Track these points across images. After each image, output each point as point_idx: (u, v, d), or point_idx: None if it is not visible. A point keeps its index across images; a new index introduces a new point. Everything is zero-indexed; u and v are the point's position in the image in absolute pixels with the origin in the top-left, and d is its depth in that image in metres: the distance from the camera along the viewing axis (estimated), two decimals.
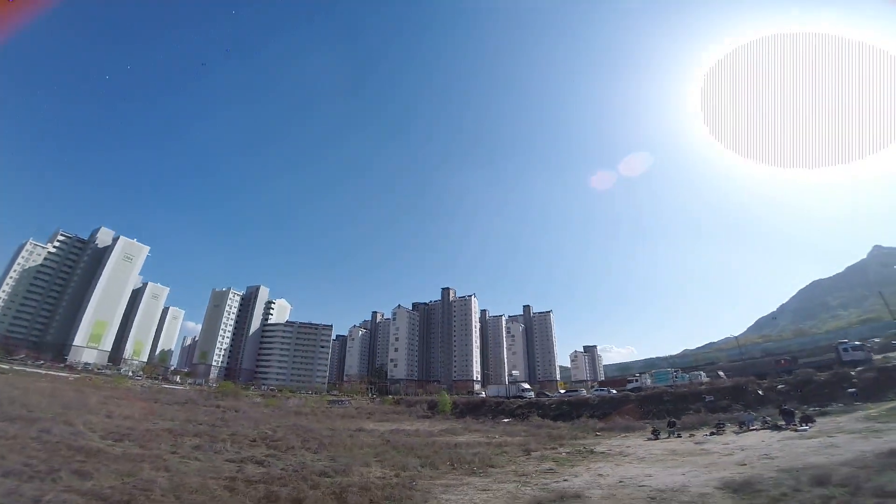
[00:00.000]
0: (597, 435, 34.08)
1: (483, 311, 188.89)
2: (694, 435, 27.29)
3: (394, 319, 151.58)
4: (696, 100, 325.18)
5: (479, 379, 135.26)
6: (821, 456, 15.62)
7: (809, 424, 23.57)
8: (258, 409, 53.70)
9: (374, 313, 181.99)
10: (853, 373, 33.99)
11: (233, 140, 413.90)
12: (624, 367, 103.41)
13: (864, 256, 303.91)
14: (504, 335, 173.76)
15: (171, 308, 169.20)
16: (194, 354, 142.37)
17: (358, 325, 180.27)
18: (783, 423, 25.11)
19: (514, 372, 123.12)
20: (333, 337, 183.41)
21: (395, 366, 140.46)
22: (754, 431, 25.24)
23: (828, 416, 26.61)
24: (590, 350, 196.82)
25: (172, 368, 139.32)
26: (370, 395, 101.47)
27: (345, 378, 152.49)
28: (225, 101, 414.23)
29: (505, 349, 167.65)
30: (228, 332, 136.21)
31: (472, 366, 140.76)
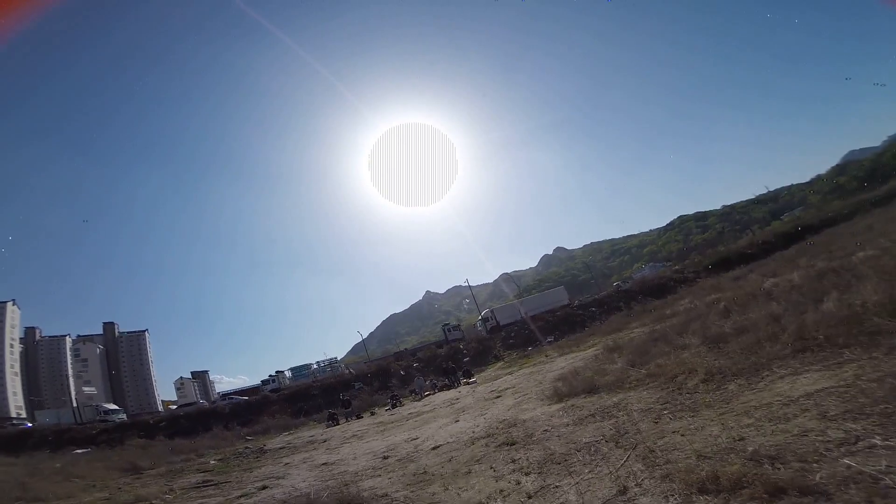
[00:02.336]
0: (247, 439, 26.19)
1: (33, 329, 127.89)
2: (375, 413, 24.67)
3: None
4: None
5: (24, 407, 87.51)
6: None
7: (474, 378, 25.82)
8: None
9: None
10: (461, 346, 42.48)
11: None
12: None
13: (420, 298, 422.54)
14: (69, 358, 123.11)
15: None
16: None
17: None
18: (450, 381, 26.58)
19: (85, 390, 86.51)
20: None
21: None
22: (432, 394, 25.30)
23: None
24: (200, 376, 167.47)
25: None
26: None
27: None
28: None
29: (71, 375, 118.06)
30: None
31: (4, 394, 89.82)
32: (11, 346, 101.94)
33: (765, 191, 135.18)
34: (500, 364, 33.00)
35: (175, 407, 48.55)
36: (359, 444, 13.44)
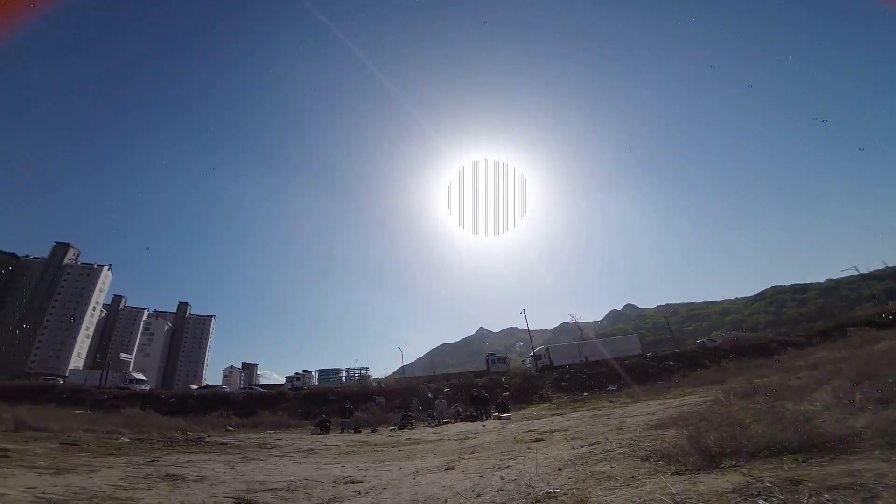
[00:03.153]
0: (228, 429, 21.97)
1: (118, 298, 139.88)
2: (376, 430, 19.22)
3: None
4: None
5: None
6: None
7: (508, 414, 19.48)
8: None
9: None
10: (503, 379, 35.59)
11: None
12: None
13: (473, 333, 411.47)
14: (140, 331, 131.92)
15: None
16: None
17: None
18: (478, 412, 20.39)
19: (122, 356, 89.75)
20: None
21: None
22: (451, 423, 19.32)
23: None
24: (249, 367, 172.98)
25: None
26: None
27: None
28: None
29: (137, 345, 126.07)
30: None
31: (69, 353, 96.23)
32: (94, 308, 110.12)
33: (882, 266, 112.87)
34: (545, 405, 26.06)
35: (195, 388, 46.20)
36: (292, 465, 8.08)
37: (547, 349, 42.77)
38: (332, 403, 32.80)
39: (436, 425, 19.00)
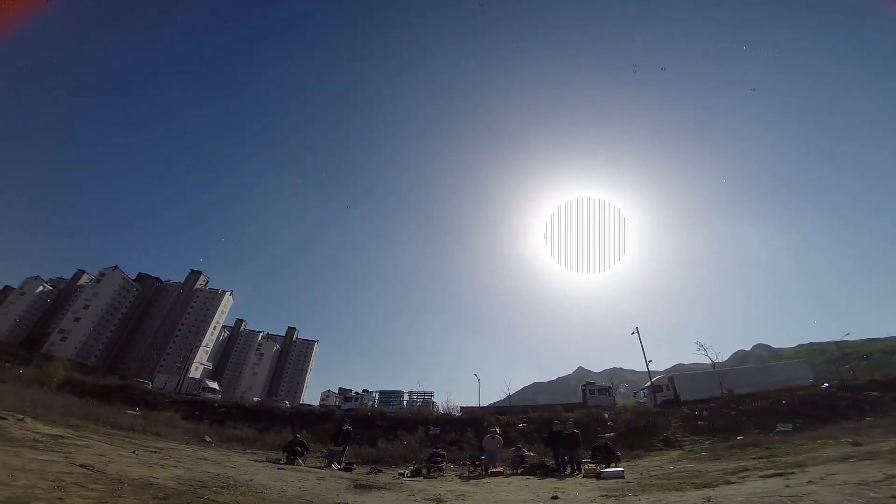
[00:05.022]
0: (205, 440, 15.90)
1: (239, 321, 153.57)
2: (380, 472, 11.56)
3: (97, 281, 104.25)
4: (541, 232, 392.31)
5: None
6: None
7: (618, 466, 10.37)
8: None
9: (80, 272, 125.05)
10: (606, 415, 24.94)
11: None
12: None
13: (571, 372, 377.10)
14: (253, 352, 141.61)
15: None
16: None
17: (47, 279, 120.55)
18: (557, 461, 11.46)
19: (201, 364, 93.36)
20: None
21: (64, 339, 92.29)
22: (502, 475, 10.76)
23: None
24: (343, 392, 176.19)
25: None
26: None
27: None
28: None
29: (248, 366, 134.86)
30: None
31: (190, 364, 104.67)
32: (215, 327, 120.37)
33: None
34: (675, 453, 15.76)
35: (256, 399, 42.96)
36: None
37: (671, 378, 30.85)
38: (378, 430, 25.77)
39: (478, 474, 10.62)
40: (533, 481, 9.25)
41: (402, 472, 11.24)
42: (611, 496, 6.12)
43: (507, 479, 9.83)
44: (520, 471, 11.33)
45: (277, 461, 11.02)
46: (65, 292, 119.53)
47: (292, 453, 11.32)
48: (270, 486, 6.36)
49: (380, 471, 11.66)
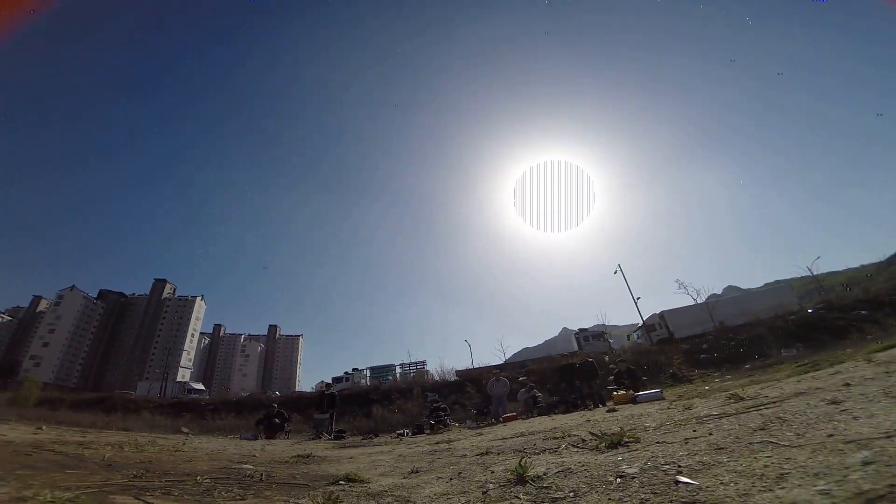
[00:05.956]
0: (182, 430, 13.88)
1: (218, 326, 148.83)
2: (377, 435, 9.94)
3: (57, 304, 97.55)
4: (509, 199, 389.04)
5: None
6: None
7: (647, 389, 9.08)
8: None
9: (37, 298, 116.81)
10: (607, 357, 24.23)
11: None
12: None
13: (557, 334, 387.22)
14: (238, 353, 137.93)
15: None
16: None
17: (3, 310, 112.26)
18: (570, 394, 10.09)
19: (180, 368, 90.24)
20: None
21: (38, 365, 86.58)
22: (516, 419, 9.43)
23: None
24: (342, 379, 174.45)
25: None
26: None
27: None
28: None
29: (235, 367, 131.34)
30: None
31: (174, 375, 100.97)
32: (192, 335, 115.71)
33: None
34: (688, 386, 14.78)
35: (245, 394, 40.92)
36: None
37: (662, 315, 30.37)
38: (372, 404, 24.35)
39: (489, 423, 9.19)
40: (557, 419, 7.82)
41: (401, 431, 9.70)
42: (676, 402, 4.63)
43: (528, 421, 8.40)
44: (535, 413, 9.98)
45: (256, 438, 9.25)
46: (25, 320, 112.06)
47: (269, 427, 9.54)
48: (202, 447, 4.63)
49: (376, 436, 10.08)
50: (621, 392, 8.85)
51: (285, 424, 10.29)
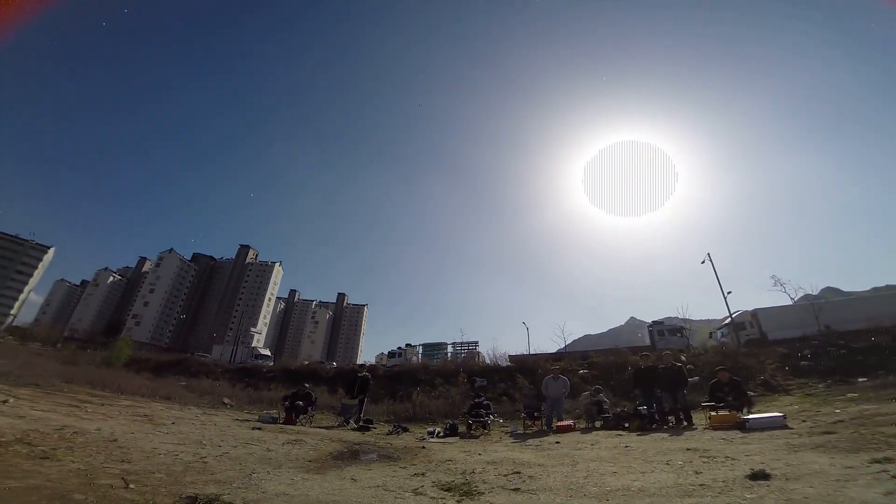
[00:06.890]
0: (224, 402, 13.86)
1: (293, 292, 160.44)
2: (408, 430, 8.59)
3: (157, 265, 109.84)
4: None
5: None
6: None
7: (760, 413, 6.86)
8: None
9: (142, 259, 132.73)
10: (684, 357, 21.12)
11: None
12: None
13: (623, 323, 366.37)
14: (308, 320, 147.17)
15: None
16: None
17: (115, 269, 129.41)
18: (647, 406, 7.94)
19: (251, 330, 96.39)
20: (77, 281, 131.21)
21: (138, 324, 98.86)
22: (575, 431, 7.50)
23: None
24: (396, 354, 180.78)
25: None
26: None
27: (66, 332, 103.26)
28: None
29: (306, 335, 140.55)
30: None
31: (251, 337, 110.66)
32: (270, 298, 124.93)
33: None
34: (788, 398, 11.95)
35: (306, 362, 42.63)
36: None
37: (754, 314, 26.03)
38: (418, 384, 23.54)
39: (538, 430, 7.45)
40: (632, 440, 5.88)
41: (432, 429, 8.37)
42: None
43: (588, 437, 6.56)
44: (598, 423, 8.10)
45: (275, 420, 8.51)
46: (133, 279, 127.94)
47: (293, 409, 8.75)
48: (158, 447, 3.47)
49: (406, 430, 8.90)
50: (721, 413, 6.64)
51: (309, 408, 9.45)
